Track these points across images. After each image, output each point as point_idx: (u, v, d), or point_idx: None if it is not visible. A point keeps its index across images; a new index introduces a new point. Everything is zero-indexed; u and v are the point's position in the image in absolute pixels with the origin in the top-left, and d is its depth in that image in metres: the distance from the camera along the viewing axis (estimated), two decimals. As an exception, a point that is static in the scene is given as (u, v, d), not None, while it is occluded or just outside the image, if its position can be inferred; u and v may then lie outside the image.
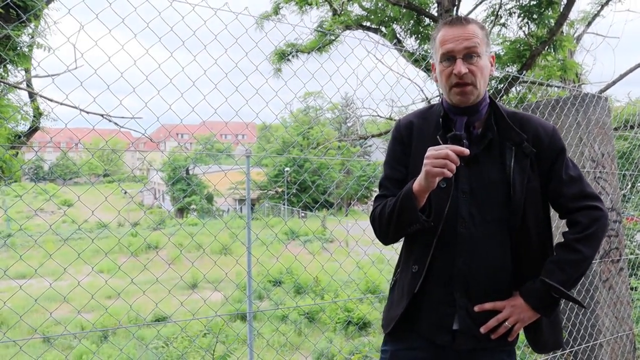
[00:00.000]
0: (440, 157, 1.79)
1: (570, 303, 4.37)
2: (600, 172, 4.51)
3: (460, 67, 1.91)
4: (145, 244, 19.23)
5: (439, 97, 2.14)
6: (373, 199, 2.20)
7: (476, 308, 1.97)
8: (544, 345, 2.08)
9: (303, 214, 36.81)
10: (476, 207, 1.97)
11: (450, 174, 1.80)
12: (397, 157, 2.15)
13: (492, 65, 2.04)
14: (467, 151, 1.82)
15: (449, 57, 1.95)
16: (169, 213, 40.73)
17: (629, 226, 8.24)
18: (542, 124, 2.09)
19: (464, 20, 1.96)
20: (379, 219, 2.07)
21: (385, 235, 2.08)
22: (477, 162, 2.00)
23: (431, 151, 1.83)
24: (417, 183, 1.89)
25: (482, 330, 1.96)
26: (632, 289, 6.15)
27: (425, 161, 1.83)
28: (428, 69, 7.73)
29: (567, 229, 2.06)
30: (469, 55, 1.92)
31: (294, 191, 38.94)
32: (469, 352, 2.00)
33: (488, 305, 1.97)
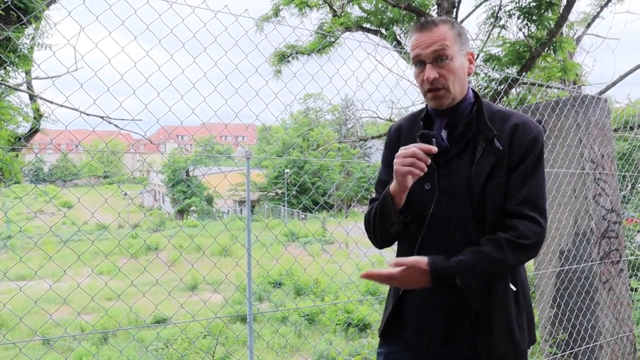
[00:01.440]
0: (408, 156, 1.81)
1: (570, 304, 4.37)
2: (600, 173, 4.52)
3: (429, 72, 1.90)
4: (145, 245, 19.22)
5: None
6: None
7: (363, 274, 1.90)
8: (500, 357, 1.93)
9: (303, 216, 36.81)
10: (455, 206, 1.95)
11: (419, 173, 1.81)
12: (387, 162, 2.13)
13: (471, 63, 2.01)
14: (435, 149, 1.82)
15: (418, 63, 1.95)
16: (168, 215, 40.71)
17: (629, 227, 8.24)
18: (526, 122, 1.98)
19: (432, 23, 1.93)
20: (368, 222, 2.10)
21: (374, 238, 2.10)
22: (455, 161, 1.98)
23: (401, 151, 1.84)
24: (393, 184, 1.91)
25: (362, 275, 1.89)
26: (632, 290, 6.14)
27: (394, 160, 1.85)
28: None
29: (500, 231, 1.91)
30: (438, 58, 1.90)
31: (294, 193, 38.92)
32: (440, 354, 1.98)
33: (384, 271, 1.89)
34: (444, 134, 1.99)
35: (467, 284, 1.83)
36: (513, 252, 1.85)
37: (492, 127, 1.96)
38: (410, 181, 1.86)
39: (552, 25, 7.33)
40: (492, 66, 7.60)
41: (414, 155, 1.80)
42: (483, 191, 1.91)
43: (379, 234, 2.05)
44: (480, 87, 7.82)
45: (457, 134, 2.00)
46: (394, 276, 1.87)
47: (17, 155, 5.55)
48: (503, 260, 1.85)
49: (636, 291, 6.74)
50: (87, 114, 3.38)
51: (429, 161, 1.82)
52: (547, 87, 7.59)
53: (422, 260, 1.85)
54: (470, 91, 2.04)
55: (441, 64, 1.91)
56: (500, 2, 7.79)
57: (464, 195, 1.94)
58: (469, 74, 2.02)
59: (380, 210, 1.98)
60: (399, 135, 2.15)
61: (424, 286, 1.87)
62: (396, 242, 2.19)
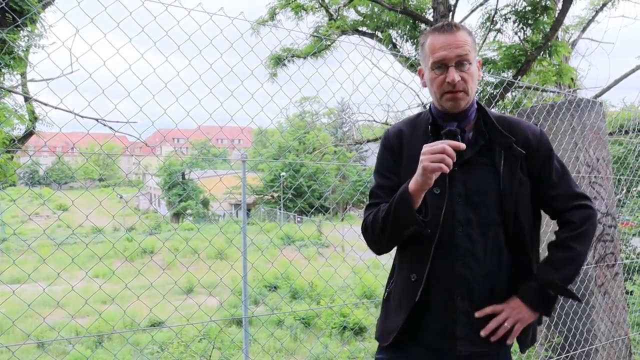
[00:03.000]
0: (437, 152, 1.79)
1: (566, 308, 4.37)
2: (595, 177, 4.52)
3: (454, 75, 1.91)
4: (140, 248, 19.18)
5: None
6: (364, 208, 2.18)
7: (477, 314, 1.97)
8: (525, 342, 2.11)
9: (299, 219, 36.77)
10: (472, 210, 1.97)
11: (447, 169, 1.79)
12: (388, 166, 2.13)
13: (479, 70, 2.05)
14: (463, 145, 1.82)
15: (440, 65, 1.94)
16: (164, 218, 40.65)
17: (624, 231, 8.26)
18: (530, 127, 2.10)
19: (455, 27, 1.95)
20: (372, 226, 2.03)
21: (379, 242, 2.05)
22: (471, 165, 1.99)
23: (427, 147, 1.82)
24: (414, 182, 1.87)
25: (482, 333, 1.96)
26: (628, 293, 6.14)
27: (421, 157, 1.82)
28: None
29: (558, 229, 2.10)
30: (461, 62, 1.92)
31: (290, 196, 38.93)
32: (467, 357, 1.99)
33: (488, 310, 1.97)
34: None
35: (560, 288, 2.01)
36: (578, 243, 2.02)
37: (509, 134, 2.02)
38: (434, 179, 1.84)
39: (548, 29, 7.36)
40: (488, 70, 7.62)
41: (443, 151, 1.78)
42: (516, 197, 1.98)
43: (387, 238, 2.00)
44: (476, 90, 7.83)
45: (468, 139, 2.02)
46: (503, 319, 1.99)
47: (12, 157, 5.53)
48: (577, 255, 2.02)
49: (631, 294, 6.75)
50: (82, 116, 3.37)
51: (455, 158, 1.81)
52: (543, 90, 7.62)
53: (514, 300, 2.01)
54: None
55: (463, 68, 1.93)
56: (496, 6, 7.81)
57: (487, 200, 1.97)
58: (478, 80, 2.06)
59: (395, 211, 1.92)
60: (400, 140, 2.12)
61: (532, 316, 2.03)
62: (396, 249, 2.17)
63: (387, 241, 2.03)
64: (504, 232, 1.98)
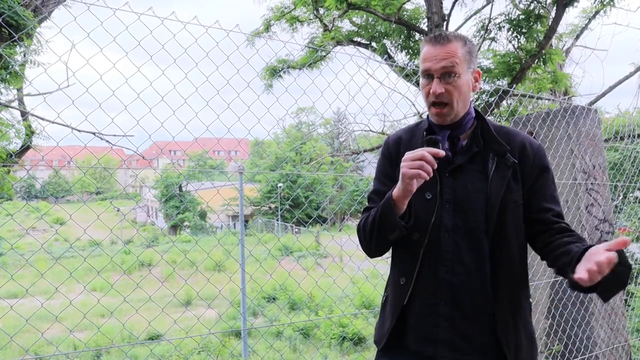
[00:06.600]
0: (416, 159, 1.82)
1: (565, 315, 4.38)
2: (591, 183, 4.54)
3: (436, 87, 1.95)
4: (138, 261, 19.11)
5: (430, 112, 2.16)
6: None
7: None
8: None
9: (296, 230, 36.75)
10: (460, 216, 1.98)
11: (426, 176, 1.81)
12: (385, 172, 2.18)
13: (476, 81, 2.06)
14: (442, 152, 1.84)
15: (427, 75, 1.99)
16: (161, 230, 40.55)
17: (622, 237, 8.26)
18: (529, 139, 2.11)
19: (445, 39, 1.97)
20: (363, 230, 2.08)
21: (368, 245, 2.08)
22: (462, 172, 2.01)
23: (408, 154, 1.85)
24: (397, 189, 1.90)
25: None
26: (628, 295, 6.14)
27: (402, 164, 1.85)
28: (419, 84, 7.79)
29: (558, 233, 1.98)
30: (447, 74, 1.95)
31: (287, 207, 38.89)
32: None
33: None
34: (446, 145, 2.03)
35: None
36: None
37: (505, 144, 2.03)
38: (415, 185, 1.86)
39: (542, 37, 7.41)
40: (483, 78, 7.65)
41: (422, 158, 1.81)
42: (502, 204, 1.97)
43: (375, 242, 2.03)
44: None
45: (461, 146, 2.04)
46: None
47: (9, 171, 5.53)
48: None
49: (632, 297, 6.75)
50: (79, 130, 3.38)
51: (436, 165, 1.83)
52: (538, 98, 7.65)
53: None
54: (472, 107, 2.10)
55: (448, 80, 1.95)
56: (490, 15, 7.87)
57: (474, 207, 1.98)
58: (473, 91, 2.07)
59: (380, 216, 1.96)
60: (398, 146, 2.16)
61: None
62: (391, 254, 2.19)
63: (375, 245, 2.06)
64: (488, 239, 1.98)
